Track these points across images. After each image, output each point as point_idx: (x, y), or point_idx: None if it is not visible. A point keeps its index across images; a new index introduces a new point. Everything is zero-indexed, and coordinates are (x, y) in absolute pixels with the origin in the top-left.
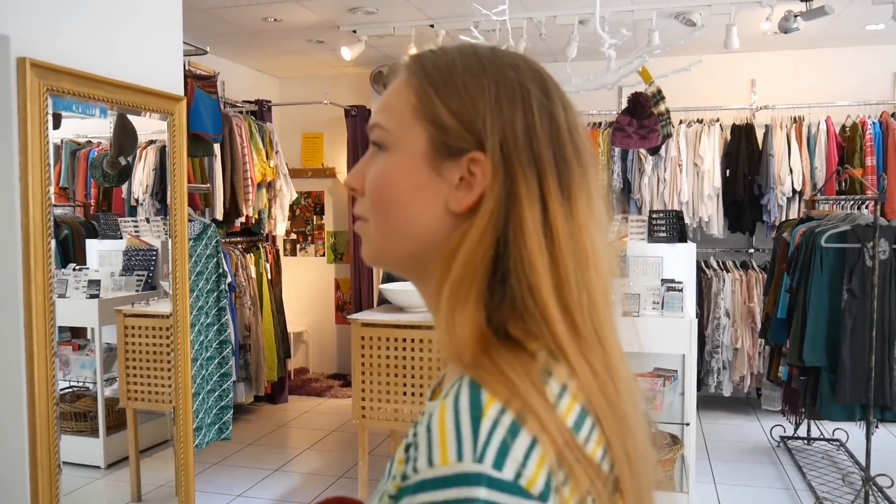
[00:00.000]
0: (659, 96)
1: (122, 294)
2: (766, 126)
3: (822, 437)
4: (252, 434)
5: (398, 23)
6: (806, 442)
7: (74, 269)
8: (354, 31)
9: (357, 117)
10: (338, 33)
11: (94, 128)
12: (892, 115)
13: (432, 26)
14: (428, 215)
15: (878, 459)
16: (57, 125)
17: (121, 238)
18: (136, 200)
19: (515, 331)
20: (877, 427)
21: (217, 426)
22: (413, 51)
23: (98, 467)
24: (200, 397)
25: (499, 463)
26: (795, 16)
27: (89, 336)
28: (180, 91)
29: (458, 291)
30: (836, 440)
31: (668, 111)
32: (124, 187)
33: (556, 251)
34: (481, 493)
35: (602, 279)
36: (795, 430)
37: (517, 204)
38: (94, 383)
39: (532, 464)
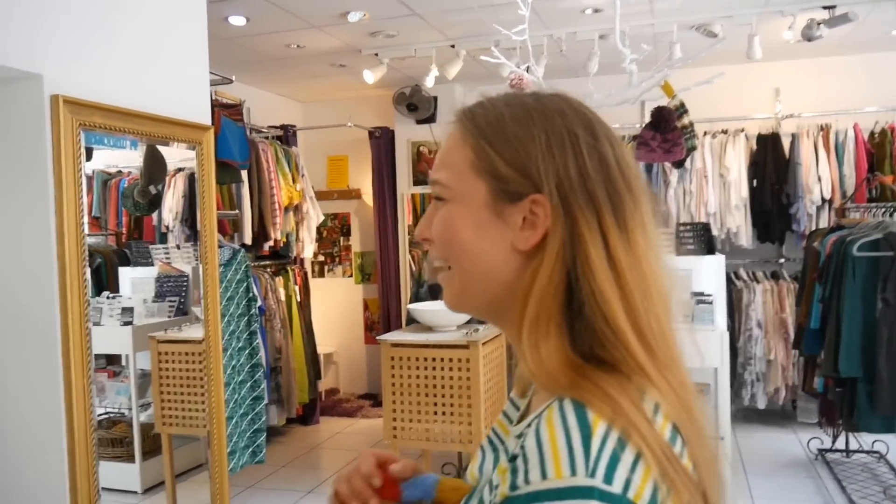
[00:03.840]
0: (682, 109)
1: (154, 320)
2: (793, 135)
3: (861, 449)
4: (285, 456)
5: (419, 44)
6: (845, 454)
7: (108, 297)
8: (376, 55)
9: (381, 138)
10: (360, 57)
11: (124, 158)
12: None
13: (453, 46)
14: (494, 254)
15: None
16: (89, 157)
17: (152, 265)
18: (167, 227)
19: (603, 355)
20: None
21: (251, 449)
22: (463, 104)
23: (135, 492)
24: (234, 421)
25: (609, 477)
26: (819, 23)
27: (124, 363)
28: (207, 120)
29: (537, 326)
30: (877, 452)
31: (691, 124)
32: (154, 215)
33: (622, 282)
34: None
35: (664, 301)
36: (833, 442)
37: (581, 241)
38: (130, 409)
39: (638, 478)
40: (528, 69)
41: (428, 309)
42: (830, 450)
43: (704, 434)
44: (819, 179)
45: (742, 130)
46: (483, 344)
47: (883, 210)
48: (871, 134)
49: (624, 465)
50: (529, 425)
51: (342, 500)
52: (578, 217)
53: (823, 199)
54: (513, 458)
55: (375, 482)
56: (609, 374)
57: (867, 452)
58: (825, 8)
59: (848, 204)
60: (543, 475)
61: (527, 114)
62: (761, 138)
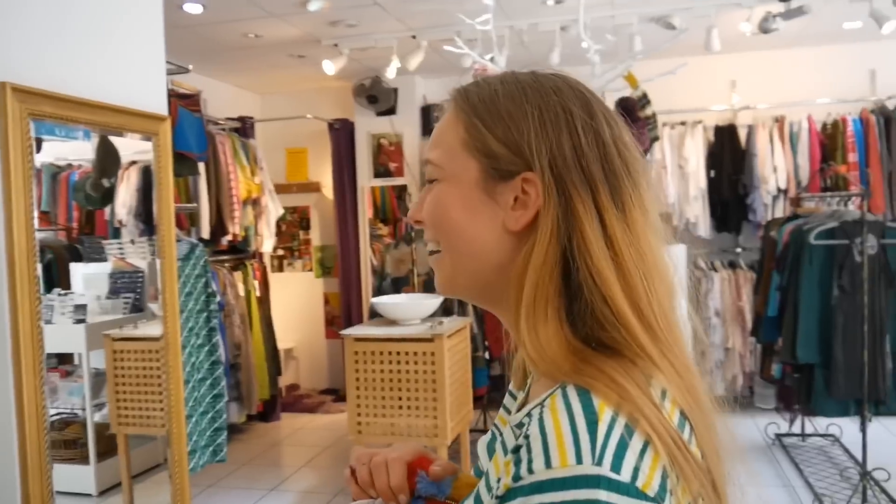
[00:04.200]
0: (645, 100)
1: (109, 318)
2: (749, 126)
3: (816, 433)
4: (246, 454)
5: (380, 35)
6: (801, 438)
7: (60, 294)
8: (336, 45)
9: (340, 131)
10: (319, 47)
11: (75, 150)
12: (872, 112)
13: (414, 37)
14: (486, 235)
15: (873, 453)
16: (38, 149)
17: (106, 261)
18: (120, 222)
19: (604, 337)
20: (870, 421)
21: (211, 448)
22: (460, 87)
23: (90, 495)
24: (194, 419)
25: (616, 465)
26: (775, 16)
27: (76, 362)
28: (164, 111)
29: (534, 310)
30: (831, 435)
31: (654, 115)
32: (107, 209)
33: (620, 261)
34: (601, 494)
35: (665, 284)
36: (790, 426)
37: (576, 219)
38: (83, 410)
39: (646, 466)
40: (492, 60)
41: (391, 302)
42: (787, 434)
43: (712, 420)
44: (775, 170)
45: (700, 122)
46: (448, 337)
47: (837, 199)
48: (824, 125)
49: (632, 453)
50: (529, 414)
51: (361, 484)
52: (573, 195)
53: (779, 189)
54: (515, 449)
55: (402, 500)
56: (613, 359)
57: (822, 436)
58: (781, 1)
59: (803, 193)
60: (548, 464)
61: (521, 90)
62: (718, 130)
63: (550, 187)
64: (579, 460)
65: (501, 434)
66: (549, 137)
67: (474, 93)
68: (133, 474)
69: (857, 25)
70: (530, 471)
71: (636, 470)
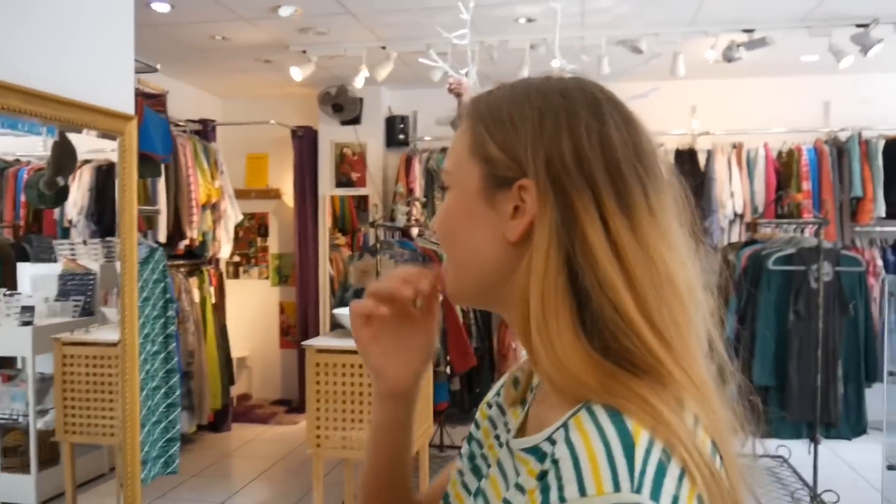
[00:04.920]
0: None
1: (57, 320)
2: (708, 151)
3: (766, 454)
4: (196, 465)
5: (349, 44)
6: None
7: (5, 295)
8: (304, 52)
9: (303, 138)
10: (287, 53)
11: (24, 145)
12: (825, 143)
13: (384, 48)
14: (487, 247)
15: (822, 475)
16: None
17: (55, 261)
18: (70, 222)
19: (620, 349)
20: (819, 443)
21: (163, 459)
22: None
23: None
24: (146, 429)
25: (656, 493)
26: (738, 45)
27: (20, 365)
28: (131, 109)
29: (545, 321)
30: (780, 456)
31: None
32: (56, 209)
33: (628, 267)
34: None
35: (680, 298)
36: (741, 447)
37: (578, 225)
38: (26, 416)
39: (684, 495)
40: (466, 74)
41: None
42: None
43: (735, 449)
44: (732, 195)
45: (661, 145)
46: None
47: (794, 226)
48: (780, 154)
49: (671, 479)
50: (551, 439)
51: (381, 297)
52: (574, 199)
53: (735, 214)
54: (542, 475)
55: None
56: (641, 378)
57: (771, 457)
58: (745, 31)
59: (759, 219)
60: (582, 491)
61: (526, 94)
62: (679, 153)
63: (547, 192)
64: (617, 487)
65: (482, 447)
66: (547, 140)
67: (484, 98)
68: (77, 484)
69: (813, 59)
70: (562, 499)
71: (675, 499)
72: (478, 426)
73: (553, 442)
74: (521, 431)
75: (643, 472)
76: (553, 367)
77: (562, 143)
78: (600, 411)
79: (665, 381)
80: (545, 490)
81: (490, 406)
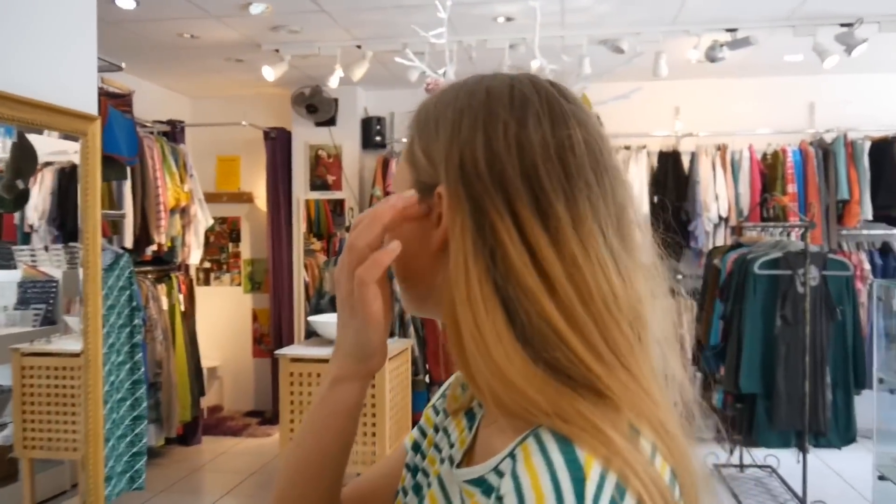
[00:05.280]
0: (597, 123)
1: (16, 330)
2: (692, 153)
3: (754, 463)
4: (164, 480)
5: (323, 43)
6: (738, 469)
7: None
8: (277, 51)
9: (276, 140)
10: (259, 52)
11: None
12: (810, 144)
13: (359, 47)
14: (420, 255)
15: (810, 485)
16: None
17: (15, 268)
18: (31, 227)
19: (554, 361)
20: (808, 452)
21: (129, 474)
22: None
23: None
24: (111, 443)
25: None
26: (722, 45)
27: None
28: (94, 110)
29: (481, 332)
30: (768, 466)
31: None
32: (17, 213)
33: (549, 276)
34: None
35: (613, 313)
36: (729, 457)
37: (493, 232)
38: None
39: None
40: (444, 74)
41: (330, 321)
42: (725, 465)
43: (693, 474)
44: (717, 198)
45: (644, 147)
46: (388, 359)
47: (780, 230)
48: (764, 155)
49: None
50: (496, 470)
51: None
52: (487, 205)
53: (720, 217)
54: None
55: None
56: (589, 400)
57: (759, 467)
58: (728, 31)
59: (745, 223)
60: None
61: (454, 94)
62: (662, 155)
63: (459, 198)
64: None
65: (424, 459)
66: (462, 143)
67: (422, 105)
68: (36, 502)
69: (798, 59)
70: None
71: None
72: (423, 433)
73: (500, 473)
74: (469, 456)
75: None
76: (496, 378)
77: (475, 146)
78: (549, 439)
79: (608, 399)
80: None
81: (437, 412)
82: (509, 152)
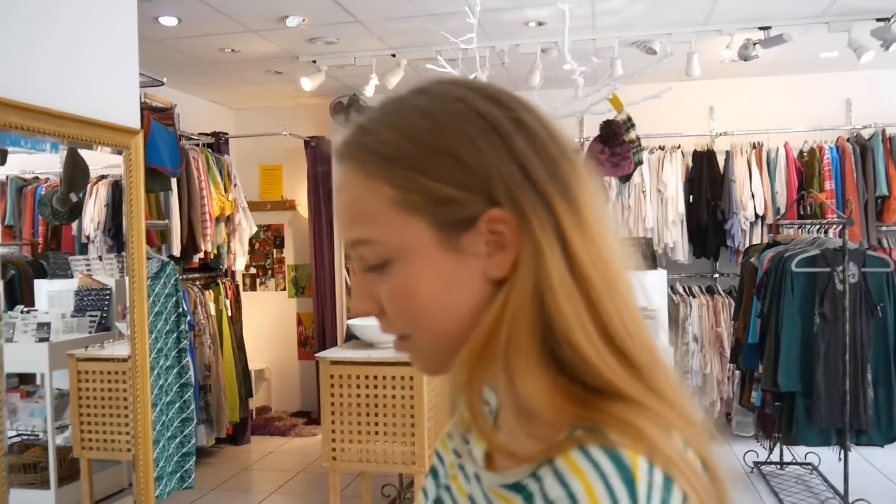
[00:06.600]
0: (630, 124)
1: (74, 336)
2: (727, 152)
3: (794, 461)
4: (214, 479)
5: (359, 53)
6: (779, 467)
7: (22, 312)
8: (314, 62)
9: (317, 148)
10: (297, 63)
11: (42, 163)
12: (847, 140)
13: (394, 56)
14: (470, 298)
15: (852, 483)
16: (3, 160)
17: (72, 277)
18: (88, 238)
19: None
20: (849, 450)
21: (179, 474)
22: (341, 141)
23: None
24: (161, 444)
25: None
26: (754, 44)
27: (38, 382)
28: (136, 124)
29: (517, 356)
30: (809, 464)
31: (638, 138)
32: (74, 224)
33: (584, 282)
34: None
35: (630, 292)
36: (769, 455)
37: (538, 247)
38: (45, 432)
39: None
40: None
41: (369, 325)
42: (765, 462)
43: (719, 465)
44: (752, 196)
45: (678, 147)
46: None
47: (818, 227)
48: (801, 153)
49: None
50: (536, 475)
51: None
52: (530, 217)
53: (757, 216)
54: None
55: None
56: (625, 404)
57: (800, 464)
58: (761, 28)
59: (781, 220)
60: None
61: (429, 116)
62: (697, 155)
63: (518, 216)
64: None
65: (445, 477)
66: (490, 158)
67: (374, 142)
68: (95, 500)
69: (833, 55)
70: None
71: None
72: (441, 460)
73: (538, 479)
74: (489, 461)
75: None
76: (524, 395)
77: (502, 155)
78: (591, 443)
79: (632, 398)
80: None
81: (451, 437)
82: (531, 150)
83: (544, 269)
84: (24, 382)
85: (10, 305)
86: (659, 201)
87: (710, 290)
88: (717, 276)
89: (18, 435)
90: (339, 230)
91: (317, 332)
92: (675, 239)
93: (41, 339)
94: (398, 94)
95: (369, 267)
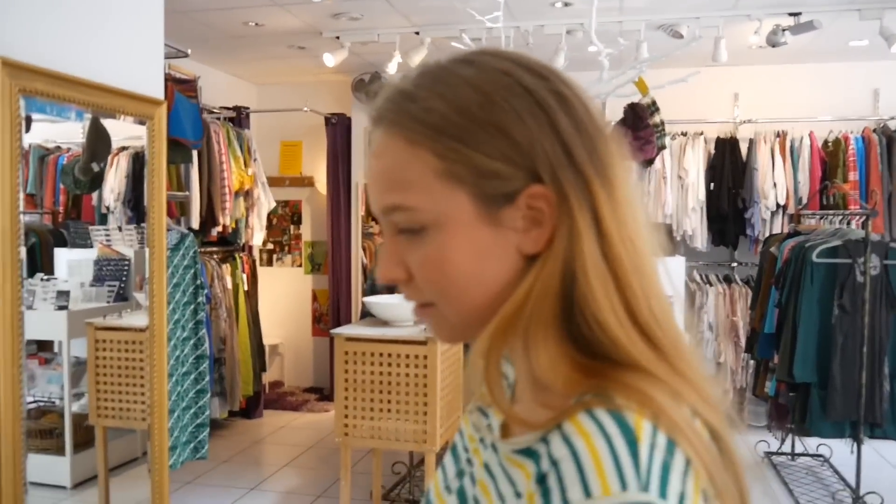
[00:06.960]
0: (654, 108)
1: (92, 305)
2: (750, 140)
3: (806, 452)
4: (227, 451)
5: (383, 30)
6: (790, 457)
7: (42, 280)
8: (338, 38)
9: (337, 125)
10: (320, 39)
11: (64, 132)
12: (874, 131)
13: (417, 34)
14: (502, 271)
15: (864, 476)
16: (28, 127)
17: (91, 247)
18: (108, 208)
19: (612, 356)
20: (863, 443)
21: (192, 445)
22: (379, 105)
23: (64, 487)
24: (175, 414)
25: (663, 490)
26: (783, 30)
27: (56, 349)
28: (160, 95)
29: (537, 330)
30: (821, 456)
31: (662, 122)
32: (95, 195)
33: (614, 262)
34: None
35: (657, 274)
36: (781, 445)
37: (574, 225)
38: (61, 399)
39: (690, 490)
40: None
41: (384, 302)
42: (777, 453)
43: (733, 440)
44: (774, 185)
45: (701, 133)
46: None
47: (840, 217)
48: (825, 142)
49: (676, 474)
50: (545, 439)
51: None
52: (570, 195)
53: (778, 205)
54: (541, 479)
55: None
56: (635, 373)
57: (812, 456)
58: (791, 14)
59: (803, 210)
60: (587, 493)
61: (478, 89)
62: (720, 142)
63: (558, 194)
64: (624, 486)
65: (467, 451)
66: (537, 135)
67: (421, 109)
68: (110, 467)
69: (863, 44)
70: (565, 501)
71: (682, 496)
72: (462, 434)
73: (547, 442)
74: (505, 431)
75: (649, 468)
76: (539, 368)
77: (545, 132)
78: (597, 405)
79: (644, 369)
80: (546, 494)
81: (470, 412)
82: (574, 128)
83: (579, 250)
84: (43, 349)
85: (31, 273)
86: (679, 188)
87: (728, 279)
88: (734, 265)
89: (35, 401)
90: (374, 195)
91: (331, 309)
92: (695, 226)
93: (60, 307)
94: (439, 61)
95: (400, 231)
